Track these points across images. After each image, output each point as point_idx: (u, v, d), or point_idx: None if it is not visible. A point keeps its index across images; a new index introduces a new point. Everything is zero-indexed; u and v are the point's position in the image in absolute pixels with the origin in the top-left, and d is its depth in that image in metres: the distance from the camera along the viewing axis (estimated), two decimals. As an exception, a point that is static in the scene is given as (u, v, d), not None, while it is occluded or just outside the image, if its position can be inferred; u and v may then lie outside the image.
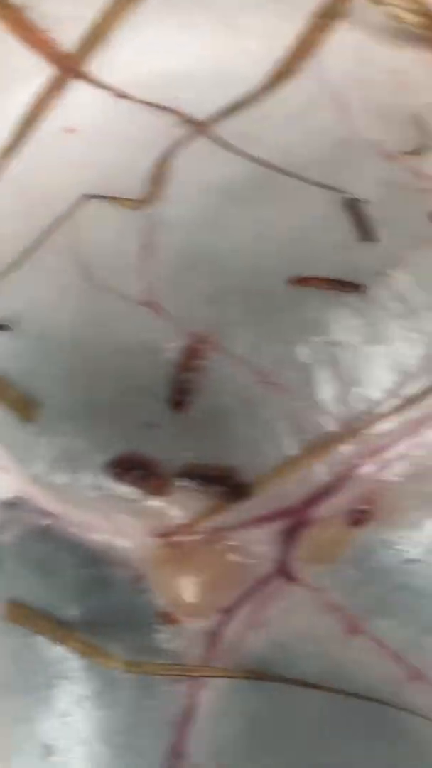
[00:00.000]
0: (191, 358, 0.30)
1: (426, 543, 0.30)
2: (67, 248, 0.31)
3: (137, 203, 0.31)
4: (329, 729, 0.31)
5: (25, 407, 0.32)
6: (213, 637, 0.32)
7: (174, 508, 0.32)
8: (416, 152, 0.30)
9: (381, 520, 0.30)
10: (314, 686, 0.31)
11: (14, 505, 0.35)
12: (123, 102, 0.33)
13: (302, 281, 0.29)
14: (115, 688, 0.33)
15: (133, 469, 0.31)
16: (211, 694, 0.33)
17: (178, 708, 0.33)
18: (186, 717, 0.33)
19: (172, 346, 0.31)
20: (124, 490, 0.32)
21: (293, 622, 0.31)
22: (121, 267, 0.31)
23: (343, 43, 0.32)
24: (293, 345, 0.30)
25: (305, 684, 0.31)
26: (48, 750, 0.34)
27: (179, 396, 0.30)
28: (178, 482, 0.31)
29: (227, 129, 0.32)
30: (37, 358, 0.32)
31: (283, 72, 0.32)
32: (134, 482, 0.31)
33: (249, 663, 0.31)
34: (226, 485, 0.30)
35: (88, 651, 0.31)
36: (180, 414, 0.31)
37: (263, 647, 0.31)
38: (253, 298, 0.30)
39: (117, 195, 0.31)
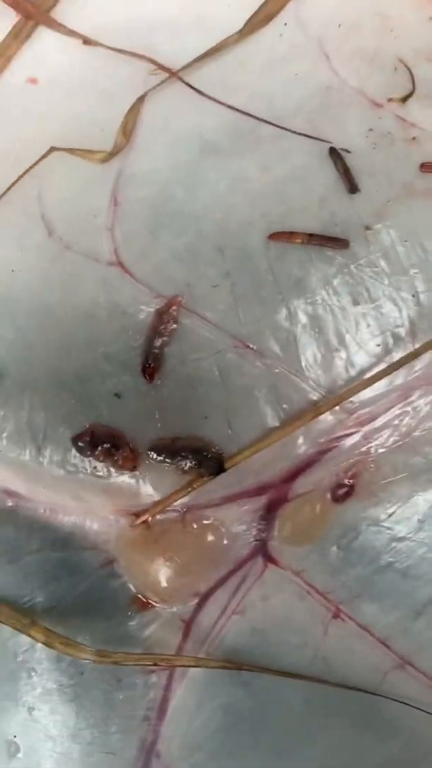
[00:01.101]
0: (163, 322, 0.28)
1: (414, 520, 0.28)
2: (30, 204, 0.29)
3: (105, 156, 0.29)
4: (313, 720, 0.29)
5: (-17, 378, 0.30)
6: (188, 624, 0.30)
7: (145, 484, 0.29)
8: (403, 99, 0.29)
9: (366, 496, 0.28)
10: (296, 676, 0.29)
11: (-23, 485, 0.33)
12: (91, 50, 0.31)
13: (282, 236, 0.27)
14: (84, 681, 0.30)
15: (101, 442, 0.28)
16: (186, 685, 0.30)
17: (150, 701, 0.31)
18: (159, 711, 0.31)
19: (143, 310, 0.28)
20: (92, 465, 0.30)
21: (273, 607, 0.29)
22: (88, 224, 0.29)
23: (326, -14, 0.30)
24: (273, 307, 0.28)
25: (286, 674, 0.29)
26: (13, 747, 0.31)
27: (150, 364, 0.28)
28: (149, 456, 0.29)
29: (203, 77, 0.29)
30: (-2, 323, 0.30)
31: (262, 17, 0.30)
32: (102, 457, 0.29)
33: (226, 652, 0.29)
34: (201, 459, 0.28)
35: (54, 641, 0.28)
36: (151, 383, 0.28)
37: (242, 635, 0.29)
38: (229, 256, 0.28)
39: (84, 148, 0.29)
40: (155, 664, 0.29)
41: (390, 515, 0.28)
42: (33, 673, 0.30)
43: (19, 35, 0.32)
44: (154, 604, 0.30)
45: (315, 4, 0.30)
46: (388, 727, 0.30)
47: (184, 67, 0.30)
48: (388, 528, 0.28)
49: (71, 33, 0.31)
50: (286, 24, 0.30)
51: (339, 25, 0.29)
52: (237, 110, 0.29)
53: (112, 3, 0.31)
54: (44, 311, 0.29)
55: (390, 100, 0.28)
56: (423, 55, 0.29)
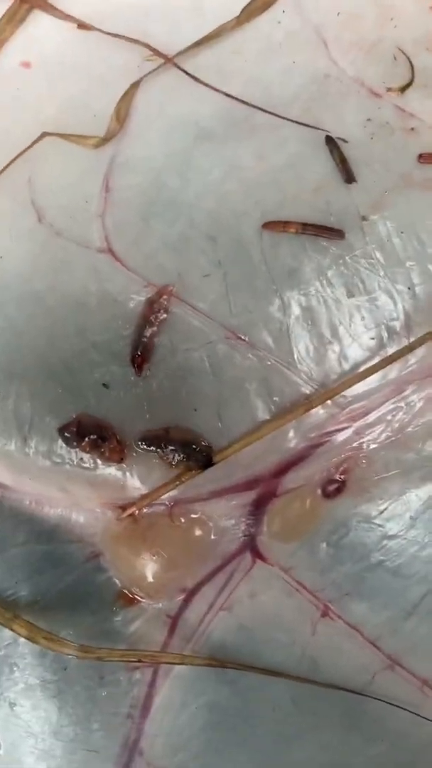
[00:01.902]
0: (153, 312, 0.28)
1: (406, 517, 0.27)
2: (21, 189, 0.28)
3: (98, 142, 0.28)
4: (300, 720, 0.29)
5: (-29, 366, 0.30)
6: (174, 620, 0.30)
7: (132, 477, 0.29)
8: (402, 89, 0.28)
9: (357, 492, 0.27)
10: (282, 675, 0.28)
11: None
12: (86, 34, 0.30)
13: (277, 226, 0.27)
14: (67, 677, 0.30)
15: (88, 433, 0.28)
16: (170, 683, 0.30)
17: (134, 699, 0.30)
18: (143, 708, 0.30)
19: (133, 299, 0.28)
20: (79, 456, 0.29)
21: (261, 604, 0.29)
22: (80, 211, 0.28)
23: (325, -26, 0.30)
24: (265, 297, 0.27)
25: (272, 673, 0.28)
26: (-7, 743, 0.31)
27: (139, 354, 0.28)
28: (137, 448, 0.28)
29: (199, 64, 0.29)
30: (-16, 311, 0.29)
31: (260, 3, 0.29)
32: (89, 448, 0.28)
33: (213, 649, 0.29)
34: (189, 452, 0.27)
35: (37, 636, 0.28)
36: (140, 374, 0.28)
37: (229, 632, 0.29)
38: (221, 245, 0.27)
39: (77, 133, 0.29)
40: (139, 661, 0.28)
41: (381, 512, 0.28)
42: (15, 668, 0.30)
43: (13, 18, 0.31)
44: (140, 599, 0.29)
45: (315, -9, 0.29)
46: (376, 728, 0.29)
47: (180, 53, 0.29)
48: (380, 525, 0.28)
49: (66, 17, 0.31)
50: (284, 11, 0.29)
51: (338, 14, 0.29)
52: (233, 97, 0.28)
53: (109, -13, 0.31)
54: (33, 298, 0.28)
55: (389, 90, 0.28)
56: (422, 45, 0.28)
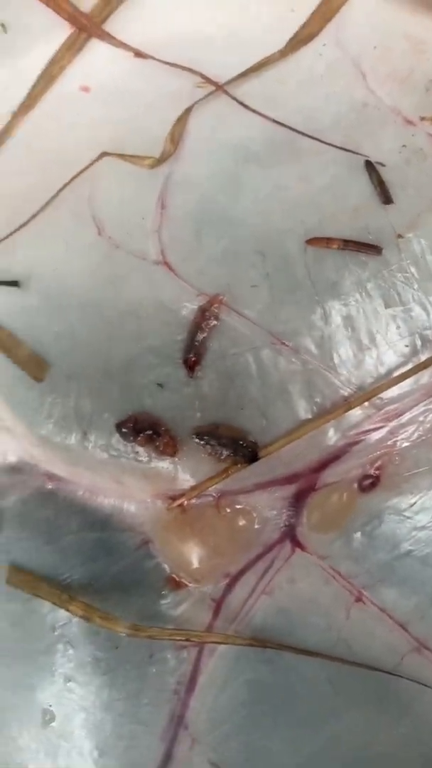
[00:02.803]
0: (204, 319, 0.30)
1: (435, 510, 0.30)
2: (81, 206, 0.31)
3: (154, 162, 0.31)
4: (333, 698, 0.31)
5: (36, 366, 0.32)
6: (218, 603, 0.32)
7: (183, 470, 0.31)
8: (435, 118, 0.31)
9: (390, 487, 0.30)
10: (318, 655, 0.31)
11: (18, 469, 0.34)
12: (141, 62, 0.33)
13: (320, 242, 0.29)
14: (118, 655, 0.32)
15: (144, 429, 0.30)
16: (214, 661, 0.32)
17: (181, 676, 0.33)
18: (189, 685, 0.33)
19: (186, 307, 0.30)
20: (134, 450, 0.32)
21: (299, 590, 0.31)
22: (136, 226, 0.31)
23: (361, 10, 0.32)
24: (309, 307, 0.30)
25: (309, 653, 0.31)
26: (48, 716, 0.33)
27: (192, 357, 0.30)
28: (188, 444, 0.31)
29: (246, 92, 0.31)
30: (48, 316, 0.31)
31: (303, 37, 0.32)
32: (144, 443, 0.31)
33: (254, 631, 0.31)
34: (236, 447, 0.29)
35: (93, 615, 0.30)
36: (192, 375, 0.30)
37: (268, 615, 0.31)
38: (268, 258, 0.30)
39: (132, 154, 0.31)
40: (187, 640, 0.30)
41: (412, 505, 0.30)
42: (69, 647, 0.32)
43: (73, 46, 0.34)
44: (186, 583, 0.31)
45: (352, 26, 0.32)
46: (403, 708, 0.31)
47: (229, 81, 0.32)
48: (410, 518, 0.30)
49: (122, 45, 0.34)
50: (324, 44, 0.32)
51: (374, 47, 0.31)
52: (278, 123, 0.31)
53: (162, 19, 0.33)
54: (93, 306, 0.31)
55: (422, 119, 0.30)
56: (453, 77, 0.31)
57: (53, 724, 0.33)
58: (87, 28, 0.34)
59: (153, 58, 0.33)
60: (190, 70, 0.32)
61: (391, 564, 0.30)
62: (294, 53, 0.32)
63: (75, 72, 0.34)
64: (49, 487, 0.33)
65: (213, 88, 0.32)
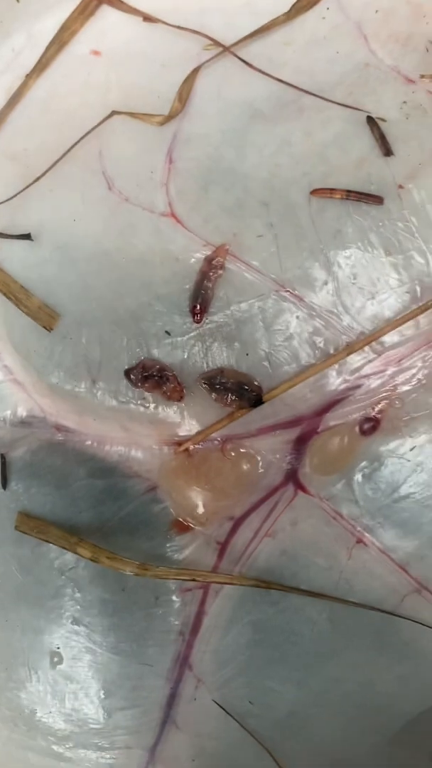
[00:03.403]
0: (211, 268, 0.31)
1: (435, 454, 0.31)
2: (92, 162, 0.32)
3: (163, 119, 0.32)
4: (336, 639, 0.32)
5: (46, 316, 0.33)
6: (223, 545, 0.33)
7: (189, 416, 0.32)
8: (434, 76, 0.32)
9: (390, 430, 0.31)
10: (321, 596, 0.32)
11: (28, 422, 0.35)
12: (150, 26, 0.34)
13: (324, 192, 0.30)
14: (125, 597, 0.33)
15: (151, 375, 0.31)
16: (218, 603, 0.33)
17: (186, 618, 0.34)
18: (194, 627, 0.33)
19: (193, 257, 0.31)
20: (142, 396, 0.32)
21: (302, 531, 0.32)
22: (145, 180, 0.32)
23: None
24: (312, 255, 0.30)
25: (312, 594, 0.32)
26: (56, 658, 0.34)
27: (198, 305, 0.31)
28: (194, 390, 0.31)
29: (252, 52, 0.32)
30: (59, 267, 0.32)
31: (306, 2, 0.33)
32: (152, 388, 0.32)
33: (258, 572, 0.32)
34: (241, 392, 0.30)
35: (100, 556, 0.31)
36: (199, 323, 0.31)
37: (272, 556, 0.32)
38: (272, 209, 0.31)
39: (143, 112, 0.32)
40: (192, 580, 0.31)
41: (412, 449, 0.31)
42: (77, 590, 0.33)
43: (85, 11, 0.35)
44: (192, 526, 0.32)
45: (355, -9, 0.33)
46: (404, 648, 0.32)
47: (236, 43, 0.33)
48: (409, 460, 0.31)
49: (132, 10, 0.35)
50: (328, 8, 0.33)
51: (376, 11, 0.32)
52: (283, 82, 0.32)
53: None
54: (103, 256, 0.32)
55: (422, 77, 0.31)
56: (452, 39, 0.32)
57: (60, 666, 0.34)
58: (98, -6, 0.35)
59: (162, 21, 0.34)
60: (197, 32, 0.33)
61: (391, 506, 0.31)
62: (298, 17, 0.33)
63: (86, 36, 0.35)
64: (59, 438, 0.34)
65: (220, 49, 0.33)
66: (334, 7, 0.34)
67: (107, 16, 0.36)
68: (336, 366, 0.30)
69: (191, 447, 0.31)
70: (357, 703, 0.32)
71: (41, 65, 0.35)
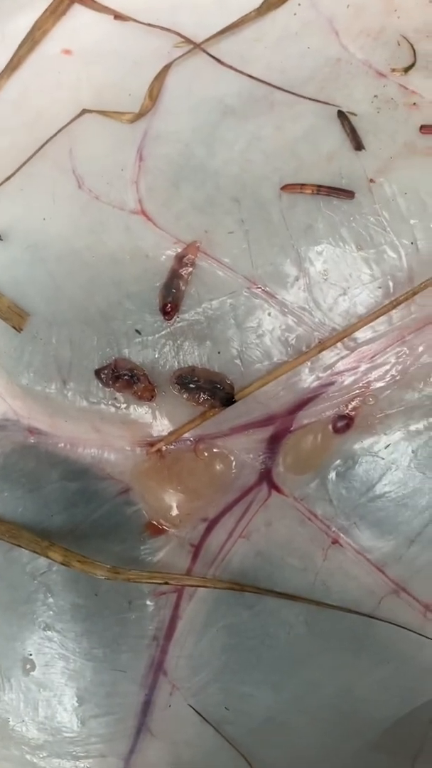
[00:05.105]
0: (182, 265, 0.31)
1: (408, 451, 0.30)
2: (63, 161, 0.32)
3: (133, 117, 0.32)
4: (312, 642, 0.31)
5: (16, 316, 0.32)
6: (197, 547, 0.32)
7: (161, 416, 0.32)
8: (405, 70, 0.31)
9: (364, 428, 0.30)
10: (297, 598, 0.31)
11: (0, 425, 0.35)
12: (120, 24, 0.33)
13: (294, 188, 0.30)
14: (98, 602, 0.32)
15: (122, 375, 0.31)
16: (192, 607, 0.32)
17: (160, 622, 0.33)
18: (168, 631, 0.33)
19: (164, 254, 0.31)
20: (113, 396, 0.32)
21: (276, 532, 0.31)
22: (115, 177, 0.31)
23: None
24: (284, 251, 0.30)
25: (288, 596, 0.31)
26: (29, 665, 0.33)
27: (169, 303, 0.31)
28: (165, 389, 0.31)
29: (222, 50, 0.32)
30: (28, 267, 0.32)
31: (278, -3, 0.33)
32: (122, 388, 0.31)
33: (232, 574, 0.31)
34: (213, 390, 0.30)
35: (72, 560, 0.30)
36: (170, 320, 0.31)
37: (246, 558, 0.31)
38: (243, 205, 0.30)
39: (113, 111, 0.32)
40: (166, 583, 0.30)
41: (386, 446, 0.30)
42: (49, 595, 0.32)
43: (57, 11, 0.35)
44: (166, 529, 0.32)
45: (327, -14, 0.33)
46: (382, 651, 0.31)
47: (206, 40, 0.32)
48: (383, 458, 0.30)
49: (103, 9, 0.35)
50: (299, 4, 0.33)
51: (347, 6, 0.32)
52: (254, 78, 0.31)
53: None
54: (73, 255, 0.31)
55: (393, 70, 0.31)
56: (423, 33, 0.31)
57: (33, 673, 0.33)
58: (70, -7, 0.35)
59: (133, 19, 0.34)
60: (169, 30, 0.33)
61: (366, 505, 0.30)
62: (269, 13, 0.33)
63: (58, 35, 0.35)
64: (31, 441, 0.34)
65: (191, 46, 0.33)
66: (306, 3, 0.33)
67: (79, 15, 0.36)
68: (308, 363, 0.30)
69: (164, 448, 0.31)
70: (335, 707, 0.31)
71: (13, 64, 0.35)
